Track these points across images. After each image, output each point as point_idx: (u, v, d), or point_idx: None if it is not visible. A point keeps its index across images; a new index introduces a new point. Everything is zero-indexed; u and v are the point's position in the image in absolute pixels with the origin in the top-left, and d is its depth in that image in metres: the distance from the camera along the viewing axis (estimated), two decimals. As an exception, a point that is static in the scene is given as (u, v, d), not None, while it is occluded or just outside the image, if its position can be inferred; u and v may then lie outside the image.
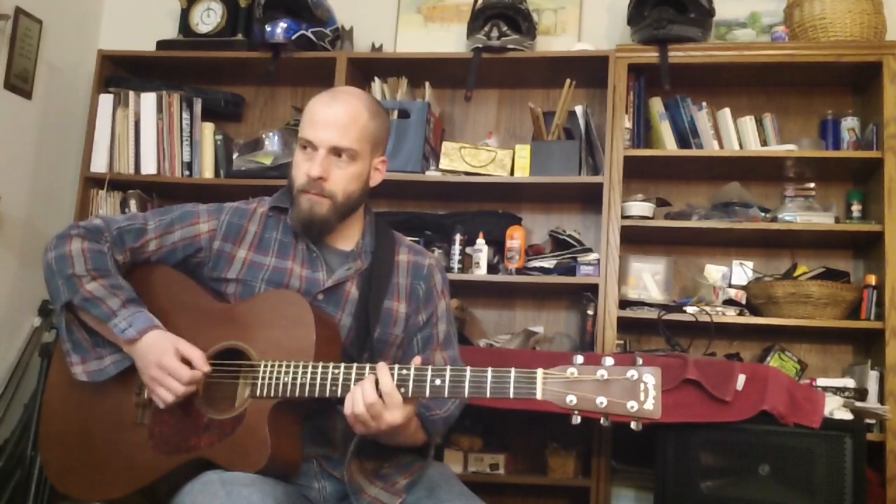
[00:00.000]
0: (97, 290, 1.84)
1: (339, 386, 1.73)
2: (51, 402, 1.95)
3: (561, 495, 3.56)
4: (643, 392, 1.53)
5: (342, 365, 1.74)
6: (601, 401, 1.54)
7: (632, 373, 1.54)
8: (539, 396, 1.59)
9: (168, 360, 1.78)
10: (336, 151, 1.91)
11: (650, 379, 1.53)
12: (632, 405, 1.53)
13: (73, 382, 1.89)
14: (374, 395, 1.67)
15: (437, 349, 2.03)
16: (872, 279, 3.31)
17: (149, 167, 3.75)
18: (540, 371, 1.60)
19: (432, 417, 1.88)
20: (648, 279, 3.51)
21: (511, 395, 1.62)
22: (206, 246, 1.98)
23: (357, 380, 1.72)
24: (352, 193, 1.95)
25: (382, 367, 1.69)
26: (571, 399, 1.56)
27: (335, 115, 1.92)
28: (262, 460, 1.71)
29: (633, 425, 1.54)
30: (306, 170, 1.91)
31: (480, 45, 3.60)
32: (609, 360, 1.57)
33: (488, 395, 1.64)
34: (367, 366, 1.73)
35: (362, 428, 1.70)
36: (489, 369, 1.65)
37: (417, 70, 3.76)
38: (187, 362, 1.79)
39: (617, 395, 1.54)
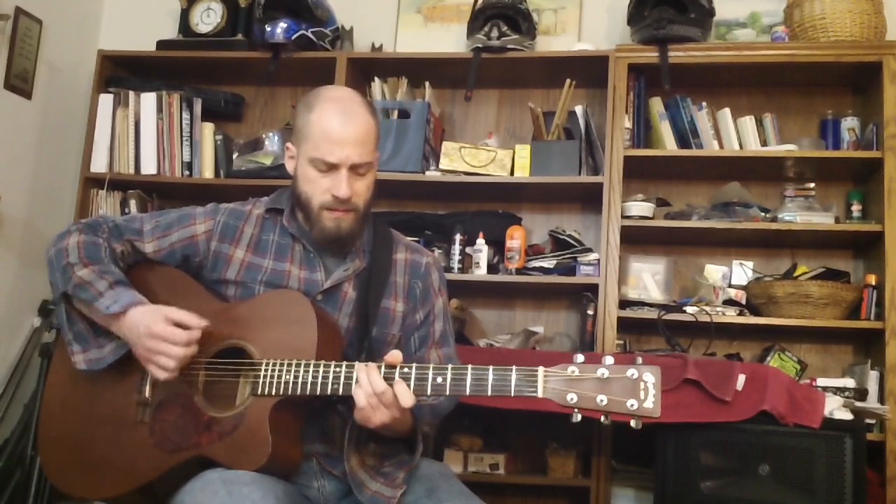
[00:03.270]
0: (86, 275, 1.85)
1: (341, 384, 1.73)
2: (50, 402, 1.95)
3: (561, 495, 3.56)
4: (643, 391, 1.54)
5: (343, 363, 1.75)
6: (601, 399, 1.54)
7: (632, 371, 1.54)
8: (540, 394, 1.59)
9: (159, 327, 1.77)
10: (356, 167, 1.91)
11: (650, 378, 1.54)
12: (632, 403, 1.53)
13: (73, 381, 1.89)
14: (383, 383, 1.69)
15: (432, 347, 2.04)
16: (872, 279, 3.31)
17: (149, 167, 3.75)
18: (541, 369, 1.60)
19: (418, 402, 1.88)
20: (648, 279, 3.51)
21: (512, 394, 1.62)
22: (203, 247, 1.99)
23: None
24: (369, 200, 1.97)
25: (372, 368, 1.70)
26: (572, 397, 1.56)
27: (355, 134, 1.89)
28: (262, 458, 1.71)
29: (632, 423, 1.54)
30: (328, 188, 1.89)
31: (480, 45, 3.60)
32: (609, 359, 1.58)
33: (490, 393, 1.64)
34: (369, 364, 1.73)
35: (377, 417, 1.71)
36: (490, 367, 1.65)
37: (417, 70, 3.76)
38: (181, 327, 1.79)
39: (617, 394, 1.54)
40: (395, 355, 1.72)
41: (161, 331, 1.77)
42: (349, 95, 1.98)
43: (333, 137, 1.88)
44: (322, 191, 1.90)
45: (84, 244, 1.91)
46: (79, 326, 1.89)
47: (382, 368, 1.71)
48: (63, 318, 1.90)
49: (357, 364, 1.73)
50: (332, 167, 1.89)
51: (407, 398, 1.69)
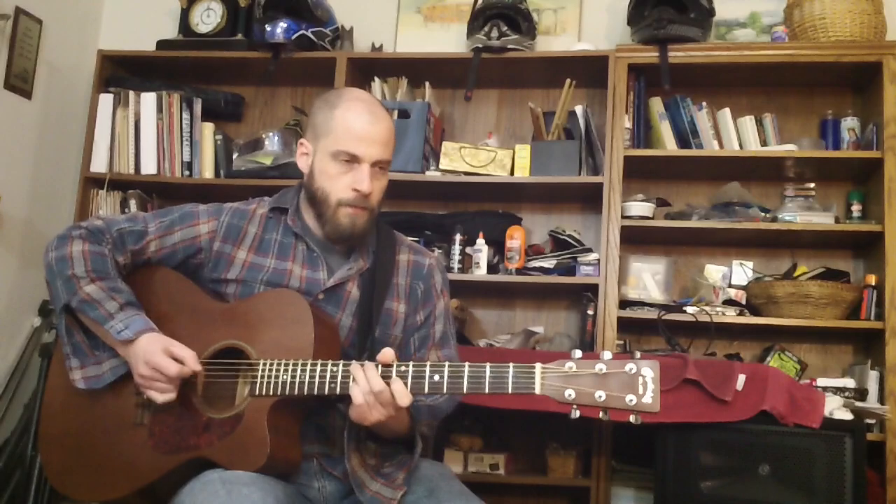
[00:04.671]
0: (95, 293, 1.84)
1: (339, 384, 1.73)
2: (51, 402, 1.95)
3: (561, 495, 3.56)
4: (642, 385, 1.52)
5: (340, 363, 1.74)
6: (600, 395, 1.53)
7: (630, 366, 1.54)
8: (538, 391, 1.58)
9: (156, 358, 1.77)
10: (378, 164, 1.92)
11: (649, 372, 1.53)
12: (630, 399, 1.52)
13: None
14: (381, 382, 1.68)
15: (432, 348, 2.04)
16: (872, 279, 3.31)
17: (149, 167, 3.75)
18: (538, 365, 1.59)
19: (416, 403, 1.88)
20: (648, 279, 3.51)
21: (510, 390, 1.61)
22: (206, 247, 1.98)
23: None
24: (381, 201, 1.98)
25: (369, 366, 1.70)
26: (570, 393, 1.55)
27: (381, 131, 1.92)
28: (261, 459, 1.71)
29: (631, 419, 1.53)
30: (350, 184, 1.90)
31: (480, 45, 3.60)
32: (607, 355, 1.57)
33: (487, 390, 1.63)
34: (366, 363, 1.73)
35: (373, 415, 1.70)
36: (487, 364, 1.64)
37: (417, 70, 3.76)
38: (179, 362, 1.79)
39: (615, 389, 1.53)
40: (387, 354, 1.72)
41: (157, 361, 1.77)
42: (373, 98, 2.03)
43: (360, 133, 1.90)
44: (342, 186, 1.91)
45: (90, 255, 1.89)
46: (76, 339, 1.88)
47: (379, 368, 1.70)
48: (62, 329, 1.88)
49: (353, 363, 1.73)
50: (355, 161, 1.90)
51: (404, 396, 1.69)
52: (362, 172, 1.90)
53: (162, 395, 1.79)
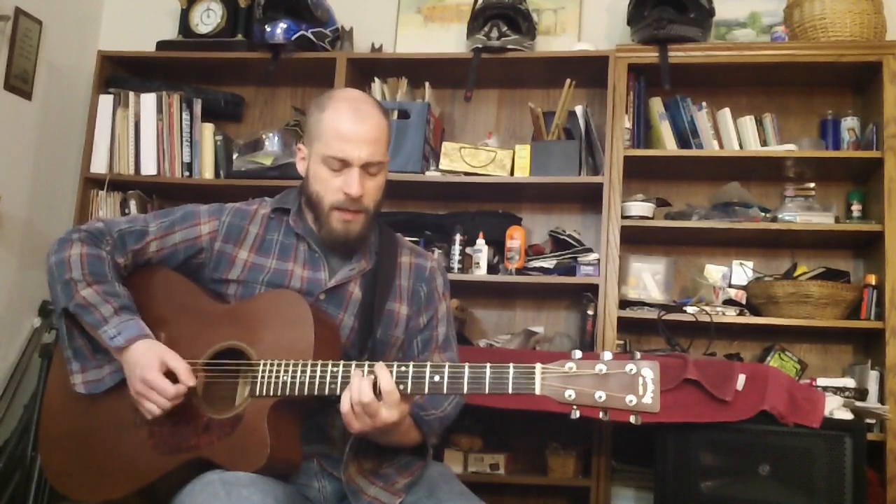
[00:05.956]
0: (91, 297, 1.83)
1: (339, 384, 1.72)
2: (51, 403, 1.95)
3: (561, 495, 3.56)
4: (642, 386, 1.53)
5: (341, 363, 1.74)
6: (600, 395, 1.54)
7: (630, 367, 1.54)
8: (538, 391, 1.58)
9: (152, 376, 1.76)
10: (368, 165, 1.91)
11: (649, 373, 1.53)
12: (630, 399, 1.52)
13: (74, 384, 1.89)
14: (370, 394, 1.66)
15: (435, 351, 2.04)
16: (872, 279, 3.31)
17: (149, 168, 3.75)
18: (538, 366, 1.59)
19: (427, 417, 1.88)
20: (648, 279, 3.51)
21: (510, 391, 1.61)
22: (207, 247, 1.98)
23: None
24: (379, 202, 1.97)
25: (381, 367, 1.69)
26: (570, 394, 1.55)
27: (368, 132, 1.90)
28: (261, 459, 1.71)
29: (632, 419, 1.53)
30: (340, 187, 1.89)
31: (480, 46, 3.60)
32: (607, 355, 1.57)
33: (487, 390, 1.63)
34: (366, 363, 1.72)
35: (357, 424, 1.70)
36: (487, 364, 1.64)
37: (417, 70, 3.76)
38: (174, 374, 1.78)
39: (615, 390, 1.53)
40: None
41: (152, 379, 1.77)
42: (361, 96, 1.98)
43: (346, 136, 1.88)
44: (334, 190, 1.90)
45: (87, 258, 1.89)
46: (78, 342, 1.89)
47: (377, 382, 1.68)
48: (63, 332, 1.88)
49: (354, 369, 1.72)
50: (344, 165, 1.89)
51: (386, 416, 1.68)
52: (352, 176, 1.88)
53: (153, 413, 1.78)
